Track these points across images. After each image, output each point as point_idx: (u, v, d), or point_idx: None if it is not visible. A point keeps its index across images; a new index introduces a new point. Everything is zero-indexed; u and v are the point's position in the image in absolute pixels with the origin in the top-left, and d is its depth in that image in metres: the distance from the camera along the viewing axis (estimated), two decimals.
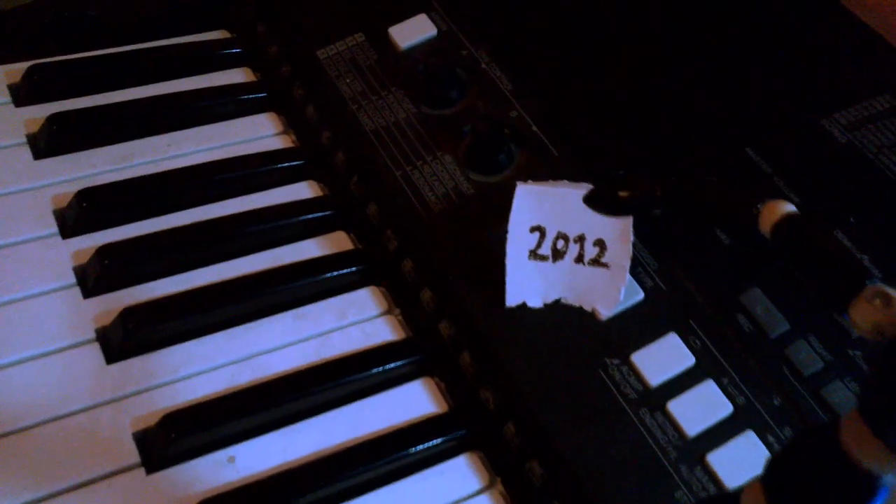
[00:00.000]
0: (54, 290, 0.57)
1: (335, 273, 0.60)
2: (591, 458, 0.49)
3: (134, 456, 0.50)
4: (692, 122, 0.61)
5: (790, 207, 0.41)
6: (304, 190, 0.66)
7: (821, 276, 0.37)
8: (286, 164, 0.66)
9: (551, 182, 0.54)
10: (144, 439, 0.51)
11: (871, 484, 0.31)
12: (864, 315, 0.31)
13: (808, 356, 0.52)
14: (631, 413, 0.50)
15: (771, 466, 0.33)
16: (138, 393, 0.53)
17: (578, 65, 0.65)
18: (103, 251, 0.57)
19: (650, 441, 0.49)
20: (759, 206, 0.42)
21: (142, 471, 0.50)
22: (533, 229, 0.54)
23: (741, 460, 0.49)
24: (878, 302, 0.31)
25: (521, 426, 0.52)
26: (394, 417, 0.54)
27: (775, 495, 0.33)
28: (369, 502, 0.50)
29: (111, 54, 0.71)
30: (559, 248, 0.54)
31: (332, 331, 0.58)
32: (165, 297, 0.57)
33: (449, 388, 0.56)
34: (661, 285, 0.55)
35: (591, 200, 0.51)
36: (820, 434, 0.32)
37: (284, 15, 0.73)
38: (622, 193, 0.49)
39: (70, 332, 0.55)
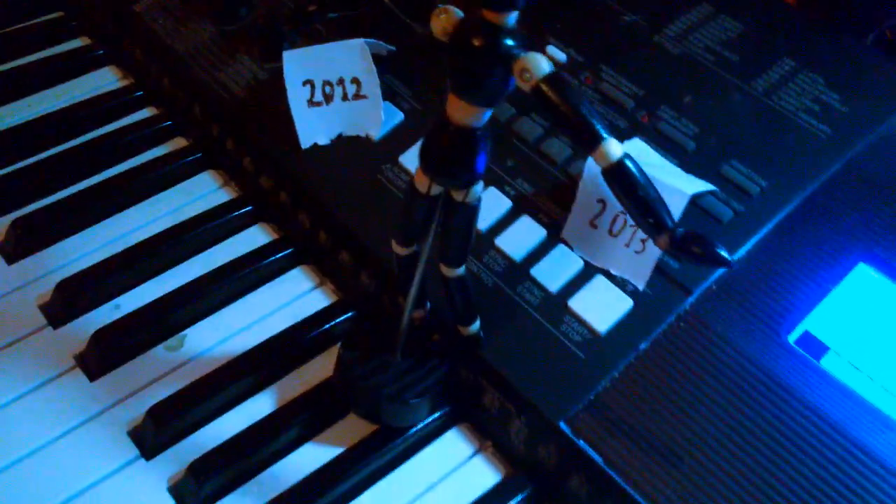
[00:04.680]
0: None
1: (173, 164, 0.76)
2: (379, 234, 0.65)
3: (40, 319, 0.66)
4: None
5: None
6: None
7: None
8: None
9: (311, 46, 0.70)
10: (47, 305, 0.67)
11: (471, 135, 0.48)
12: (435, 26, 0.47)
13: (530, 127, 0.69)
14: (401, 196, 0.66)
15: (423, 148, 0.50)
16: (37, 279, 0.69)
17: None
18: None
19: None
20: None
21: (49, 328, 0.66)
22: (304, 83, 0.70)
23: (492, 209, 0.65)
24: (442, 16, 0.47)
25: (333, 231, 0.68)
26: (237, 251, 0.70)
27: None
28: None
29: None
30: (328, 93, 0.70)
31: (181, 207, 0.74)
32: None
33: (280, 227, 0.73)
34: (417, 106, 0.72)
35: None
36: (438, 119, 0.48)
37: None
38: None
39: None
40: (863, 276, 0.63)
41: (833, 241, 0.65)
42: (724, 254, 0.46)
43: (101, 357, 0.63)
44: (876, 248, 0.65)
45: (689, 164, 0.65)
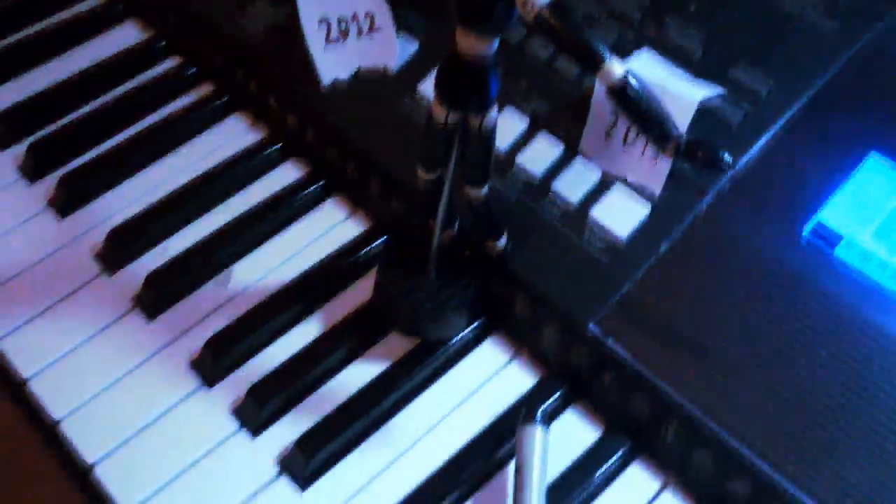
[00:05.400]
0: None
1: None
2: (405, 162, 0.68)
3: (96, 268, 0.70)
4: None
5: None
6: None
7: None
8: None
9: None
10: (100, 254, 0.71)
11: (481, 64, 0.51)
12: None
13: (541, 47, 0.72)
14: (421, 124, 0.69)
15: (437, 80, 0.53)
16: (89, 230, 0.73)
17: None
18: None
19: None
20: None
21: (105, 276, 0.70)
22: (320, 22, 0.72)
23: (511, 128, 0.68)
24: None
25: (361, 163, 0.72)
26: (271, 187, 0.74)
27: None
28: None
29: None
30: (343, 30, 0.73)
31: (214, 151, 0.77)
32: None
33: (310, 162, 0.76)
34: (431, 35, 0.74)
35: None
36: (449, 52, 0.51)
37: None
38: None
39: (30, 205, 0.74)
40: (875, 165, 0.66)
41: (844, 133, 0.67)
42: (726, 158, 0.49)
43: (155, 297, 0.67)
44: (888, 136, 0.67)
45: (697, 70, 0.67)
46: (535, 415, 0.59)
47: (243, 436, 0.61)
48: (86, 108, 0.80)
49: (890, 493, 0.53)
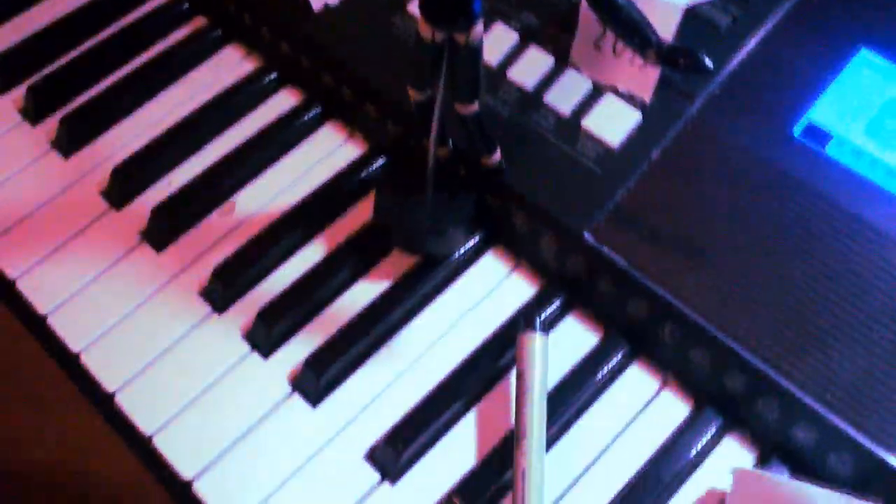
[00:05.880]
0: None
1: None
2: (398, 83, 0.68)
3: (103, 205, 0.72)
4: None
5: None
6: None
7: None
8: None
9: None
10: (106, 191, 0.73)
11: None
12: None
13: None
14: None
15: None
16: (94, 168, 0.74)
17: None
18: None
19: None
20: None
21: (112, 211, 0.72)
22: None
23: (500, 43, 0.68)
24: None
25: (355, 87, 0.72)
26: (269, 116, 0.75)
27: None
28: None
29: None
30: None
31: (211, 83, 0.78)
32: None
33: (306, 89, 0.77)
34: None
35: None
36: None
37: None
38: None
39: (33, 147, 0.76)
40: (865, 61, 0.66)
41: (832, 30, 0.67)
42: (707, 62, 0.50)
43: (162, 230, 0.69)
44: (877, 31, 0.67)
45: None
46: (534, 322, 0.60)
47: (255, 358, 0.64)
48: (82, 48, 0.81)
49: (874, 380, 0.55)
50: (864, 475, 0.54)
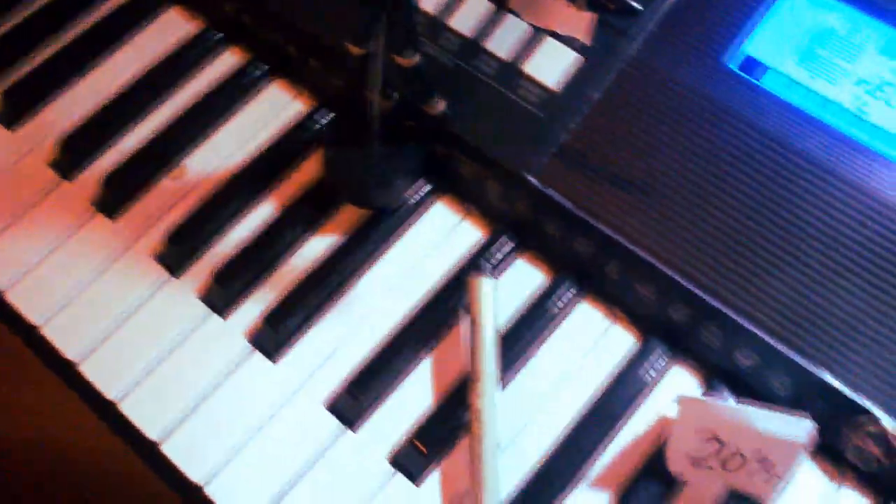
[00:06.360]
0: None
1: None
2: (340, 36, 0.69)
3: (53, 176, 0.72)
4: None
5: None
6: None
7: None
8: None
9: None
10: (55, 162, 0.72)
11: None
12: None
13: None
14: None
15: None
16: (42, 140, 0.74)
17: None
18: None
19: None
20: None
21: (64, 183, 0.72)
22: None
23: None
24: None
25: (300, 43, 0.72)
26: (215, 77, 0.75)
27: None
28: None
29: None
30: None
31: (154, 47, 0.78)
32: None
33: (251, 48, 0.77)
34: None
35: None
36: None
37: None
38: None
39: None
40: None
41: None
42: (633, 3, 0.50)
43: (114, 198, 0.70)
44: None
45: None
46: (483, 267, 0.62)
47: (214, 318, 0.65)
48: (19, 19, 0.80)
49: (809, 304, 0.57)
50: (801, 393, 0.57)
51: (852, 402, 0.55)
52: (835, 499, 0.57)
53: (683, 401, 0.56)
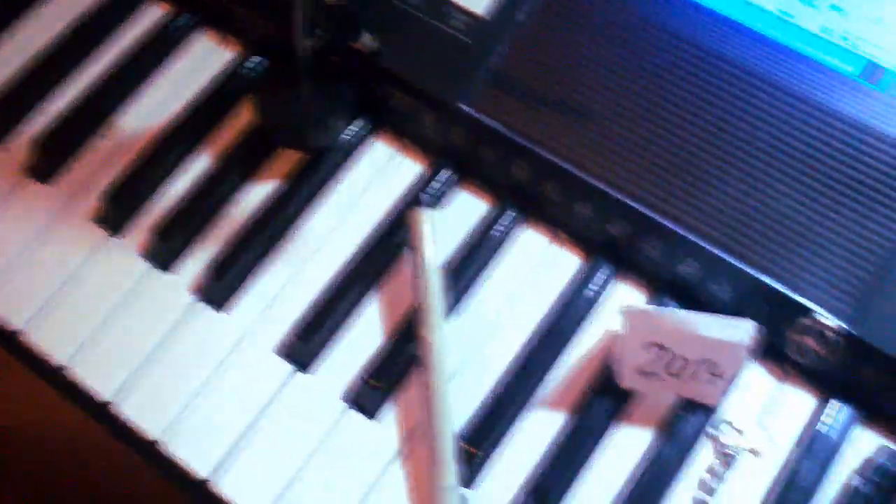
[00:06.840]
0: None
1: None
2: None
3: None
4: None
5: None
6: None
7: None
8: None
9: None
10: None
11: None
12: None
13: None
14: None
15: None
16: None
17: None
18: None
19: None
20: None
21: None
22: None
23: None
24: None
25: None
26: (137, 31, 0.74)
27: None
28: None
29: None
30: None
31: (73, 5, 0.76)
32: None
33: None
34: None
35: None
36: None
37: None
38: None
39: None
40: None
41: None
42: None
43: (45, 161, 0.68)
44: None
45: None
46: (421, 199, 0.61)
47: (156, 274, 0.64)
48: None
49: (745, 209, 0.57)
50: (743, 299, 0.57)
51: (792, 301, 0.55)
52: (781, 396, 0.58)
53: (627, 312, 0.56)
